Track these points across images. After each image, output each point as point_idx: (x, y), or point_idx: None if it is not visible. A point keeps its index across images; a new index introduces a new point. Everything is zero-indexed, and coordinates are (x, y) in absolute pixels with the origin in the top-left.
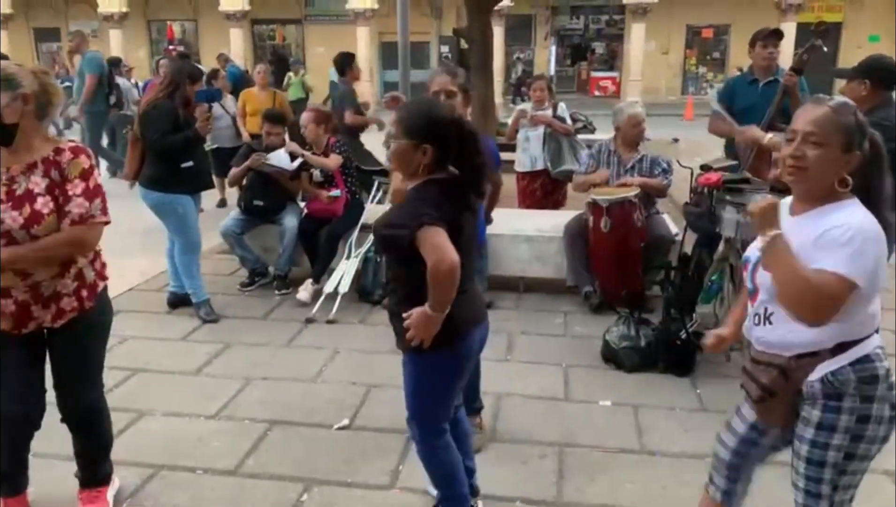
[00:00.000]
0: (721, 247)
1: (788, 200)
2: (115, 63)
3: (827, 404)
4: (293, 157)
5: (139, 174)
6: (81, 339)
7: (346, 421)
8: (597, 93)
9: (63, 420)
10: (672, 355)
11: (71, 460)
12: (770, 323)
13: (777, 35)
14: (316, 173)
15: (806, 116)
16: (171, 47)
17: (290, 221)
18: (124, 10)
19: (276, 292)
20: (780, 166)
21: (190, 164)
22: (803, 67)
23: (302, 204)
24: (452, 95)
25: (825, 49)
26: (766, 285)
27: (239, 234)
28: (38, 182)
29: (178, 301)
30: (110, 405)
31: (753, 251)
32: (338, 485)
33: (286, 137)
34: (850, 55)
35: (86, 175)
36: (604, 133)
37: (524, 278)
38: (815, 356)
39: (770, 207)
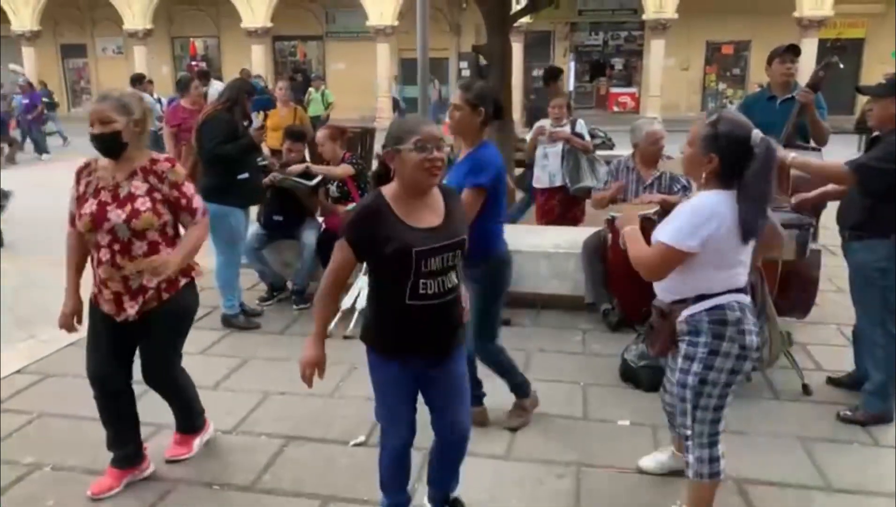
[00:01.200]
0: None
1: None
2: (139, 80)
3: (689, 339)
4: (311, 176)
5: None
6: (159, 326)
7: (362, 438)
8: (615, 109)
9: (147, 384)
10: None
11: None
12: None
13: (794, 51)
14: (332, 189)
15: (692, 127)
16: (193, 63)
17: (309, 237)
18: (149, 26)
19: (295, 306)
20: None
21: (246, 175)
22: (819, 84)
23: (321, 219)
24: (457, 109)
25: (841, 66)
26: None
27: (258, 249)
28: (138, 186)
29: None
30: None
31: None
32: (354, 502)
33: (306, 153)
34: (873, 70)
35: (187, 178)
36: (623, 149)
37: (542, 295)
38: (682, 303)
39: (630, 214)
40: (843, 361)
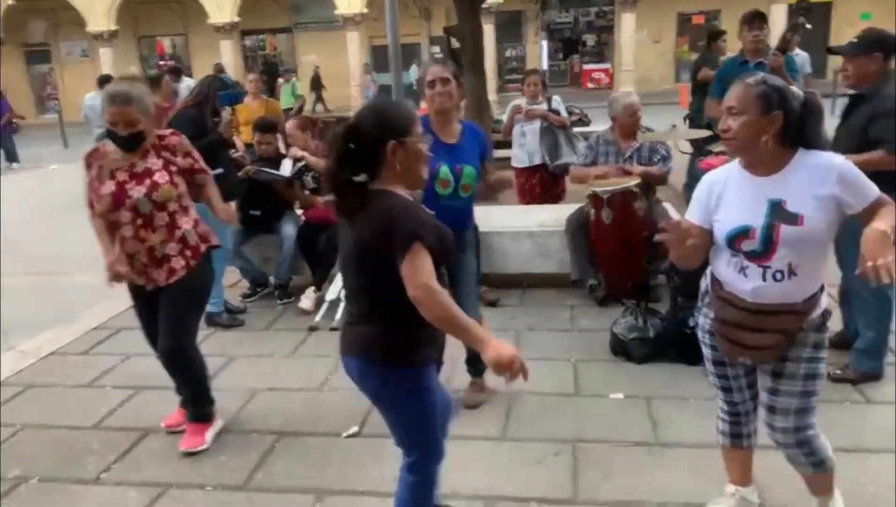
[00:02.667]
0: None
1: (728, 168)
2: (106, 81)
3: (819, 326)
4: (295, 161)
5: None
6: (183, 293)
7: (355, 429)
8: (590, 85)
9: (159, 358)
10: (682, 344)
11: None
12: (795, 275)
13: (760, 17)
14: (308, 180)
15: (729, 95)
16: (161, 63)
17: (289, 230)
18: (113, 27)
19: (278, 301)
20: None
21: (220, 171)
22: (788, 47)
23: (299, 212)
24: (447, 82)
25: (808, 26)
26: (798, 239)
27: (238, 245)
28: (154, 162)
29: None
30: (117, 425)
31: (745, 218)
32: (350, 494)
33: (280, 144)
34: (842, 33)
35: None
36: (599, 125)
37: (528, 275)
38: (819, 294)
39: (878, 243)
40: (832, 321)
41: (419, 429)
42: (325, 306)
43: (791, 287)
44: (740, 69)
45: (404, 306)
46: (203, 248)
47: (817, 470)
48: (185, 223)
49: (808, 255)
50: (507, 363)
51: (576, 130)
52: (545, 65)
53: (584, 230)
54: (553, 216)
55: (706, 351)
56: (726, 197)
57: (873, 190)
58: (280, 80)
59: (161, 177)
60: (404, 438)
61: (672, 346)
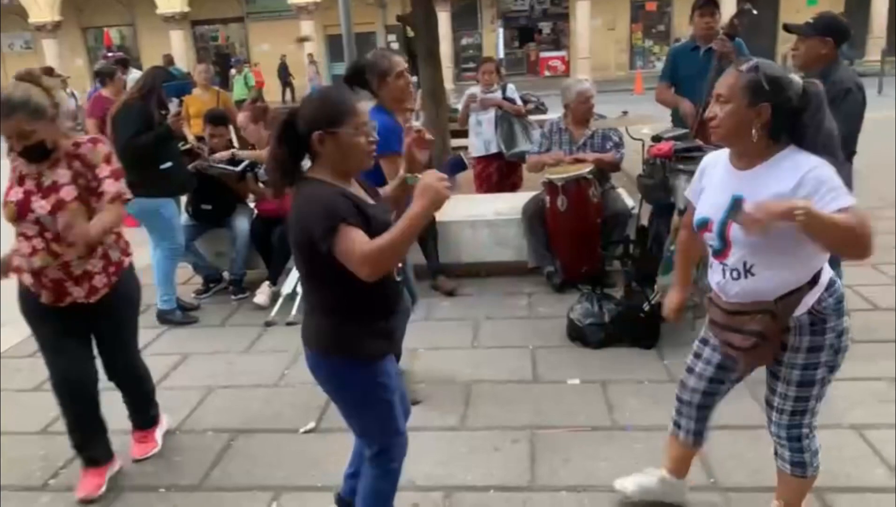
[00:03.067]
0: (676, 217)
1: (721, 152)
2: (47, 74)
3: (814, 329)
4: (238, 162)
5: None
6: (115, 311)
7: (312, 424)
8: (547, 73)
9: (110, 379)
10: (636, 328)
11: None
12: (752, 274)
13: (712, 4)
14: (261, 172)
15: (720, 82)
16: (109, 54)
17: (242, 224)
18: (57, 18)
19: (233, 297)
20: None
21: (169, 164)
22: (736, 32)
23: (252, 205)
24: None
25: (755, 12)
26: (742, 240)
27: (190, 240)
28: (62, 174)
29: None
30: (64, 430)
31: (709, 209)
32: (308, 490)
33: (233, 137)
34: (790, 20)
35: (108, 158)
36: (556, 113)
37: (486, 264)
38: (797, 292)
39: (769, 208)
40: None
41: (375, 423)
42: (280, 301)
43: (752, 287)
44: (691, 54)
45: (353, 297)
46: (126, 262)
47: (794, 470)
48: (107, 238)
49: (763, 256)
50: (434, 188)
51: (533, 118)
52: (501, 53)
53: (541, 218)
54: (510, 205)
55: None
56: (708, 183)
57: (841, 201)
58: (232, 71)
59: (68, 193)
60: (362, 431)
61: (627, 330)
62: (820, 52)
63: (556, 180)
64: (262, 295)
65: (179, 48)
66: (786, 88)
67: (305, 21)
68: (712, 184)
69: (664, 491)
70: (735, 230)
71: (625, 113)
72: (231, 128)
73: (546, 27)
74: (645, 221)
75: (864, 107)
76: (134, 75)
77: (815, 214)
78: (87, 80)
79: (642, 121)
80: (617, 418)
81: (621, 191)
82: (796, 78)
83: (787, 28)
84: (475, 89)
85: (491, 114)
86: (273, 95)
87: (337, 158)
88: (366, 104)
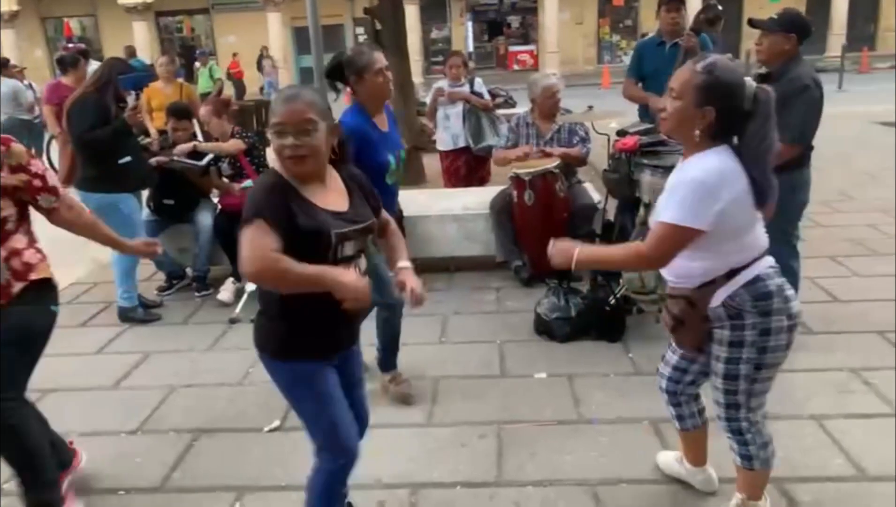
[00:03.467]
0: (641, 211)
1: None
2: (3, 64)
3: (733, 323)
4: (201, 155)
5: (71, 178)
6: None
7: (276, 423)
8: (516, 67)
9: None
10: (602, 322)
11: None
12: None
13: (678, 0)
14: (224, 166)
15: (675, 76)
16: (69, 45)
17: (205, 219)
18: (14, 7)
19: (196, 294)
20: None
21: (128, 159)
22: (701, 28)
23: (216, 200)
24: (389, 70)
25: (720, 7)
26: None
27: (151, 236)
28: None
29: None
30: None
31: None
32: (272, 489)
33: (196, 130)
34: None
35: (33, 155)
36: (525, 106)
37: (454, 258)
38: (712, 284)
39: (560, 254)
40: None
41: (311, 422)
42: (245, 298)
43: (672, 272)
44: (657, 49)
45: (287, 297)
46: (17, 287)
47: (743, 462)
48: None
49: None
50: (352, 291)
51: (502, 112)
52: (470, 46)
53: (509, 212)
54: (478, 199)
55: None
56: None
57: (663, 216)
58: (196, 64)
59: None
60: (305, 427)
61: (593, 324)
62: (783, 48)
63: (523, 175)
64: (226, 292)
65: (143, 40)
66: (736, 94)
67: (272, 13)
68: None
69: (691, 479)
70: (651, 219)
71: (590, 108)
72: (195, 121)
73: (515, 21)
74: (612, 216)
75: (821, 103)
76: (94, 67)
77: (583, 260)
78: (46, 71)
79: (608, 115)
80: (583, 411)
81: (588, 185)
82: (750, 82)
83: (752, 23)
84: (443, 83)
85: (459, 108)
86: (253, 85)
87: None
88: (298, 105)
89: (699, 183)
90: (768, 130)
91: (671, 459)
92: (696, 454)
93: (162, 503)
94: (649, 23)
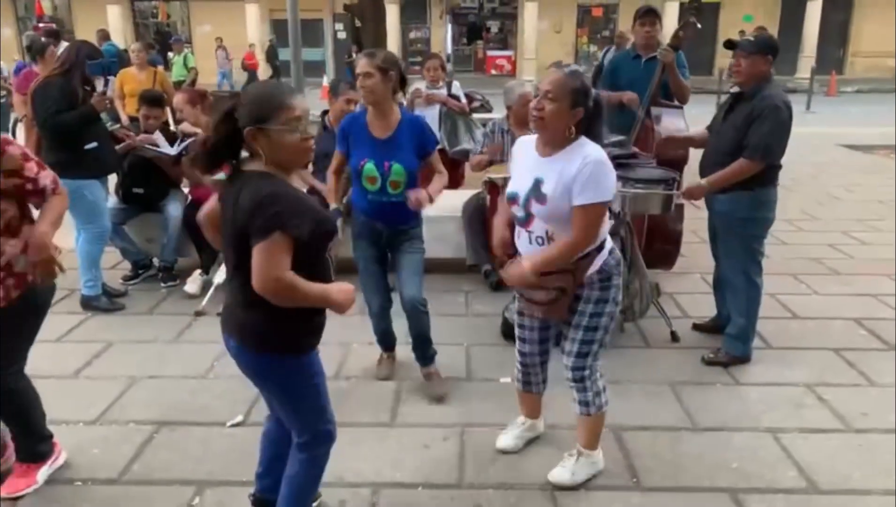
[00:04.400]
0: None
1: (529, 138)
2: None
3: (602, 285)
4: (183, 137)
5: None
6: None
7: (240, 418)
8: (493, 72)
9: None
10: None
11: None
12: (553, 240)
13: (652, 13)
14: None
15: (547, 78)
16: (40, 25)
17: (174, 209)
18: None
19: (162, 284)
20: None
21: (94, 144)
22: (680, 44)
23: (186, 190)
24: (368, 77)
25: (699, 26)
26: (540, 213)
27: (119, 224)
28: None
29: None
30: None
31: (518, 187)
32: (233, 485)
33: (169, 119)
34: (728, 33)
35: (27, 157)
36: (501, 111)
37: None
38: (589, 256)
39: (516, 276)
40: (707, 307)
41: (308, 413)
42: (212, 290)
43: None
44: (633, 63)
45: None
46: (30, 278)
47: (581, 409)
48: (11, 247)
49: (560, 226)
50: (347, 306)
51: (478, 116)
52: (449, 49)
53: (480, 216)
54: (450, 202)
55: (514, 306)
56: (517, 163)
57: (580, 199)
58: (170, 53)
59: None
60: (293, 420)
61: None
62: (761, 69)
63: (497, 180)
64: (193, 284)
65: (116, 23)
66: (592, 96)
67: (250, 4)
68: (519, 164)
69: (529, 434)
70: (534, 207)
71: None
72: (168, 110)
73: (494, 26)
74: None
75: (789, 124)
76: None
77: (535, 267)
78: (15, 50)
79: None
80: (546, 416)
81: None
82: (593, 89)
83: (731, 45)
84: (420, 84)
85: (435, 110)
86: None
87: (270, 153)
88: (302, 99)
89: (602, 162)
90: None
91: (518, 431)
92: (539, 407)
93: (120, 495)
94: (627, 34)
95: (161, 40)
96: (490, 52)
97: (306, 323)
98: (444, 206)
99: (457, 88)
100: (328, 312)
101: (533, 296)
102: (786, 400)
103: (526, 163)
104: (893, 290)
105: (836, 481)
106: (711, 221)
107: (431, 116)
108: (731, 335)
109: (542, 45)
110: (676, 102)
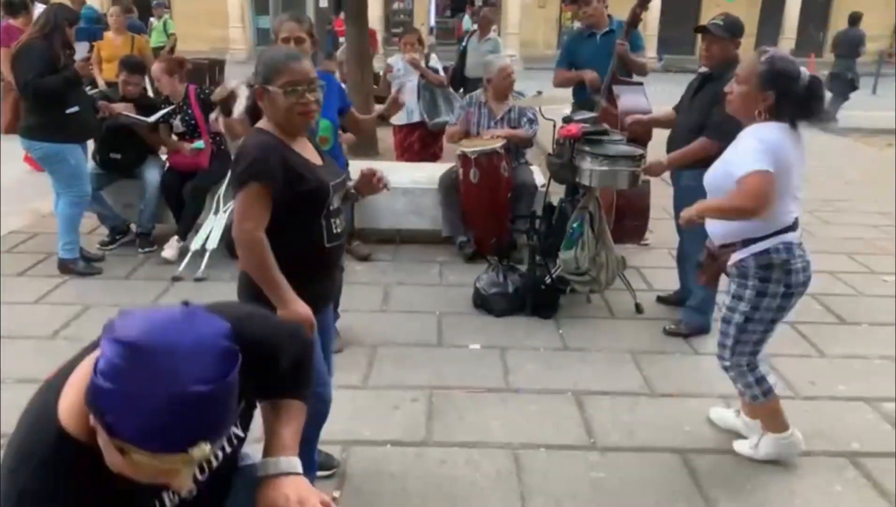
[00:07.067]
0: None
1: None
2: None
3: (738, 281)
4: (150, 110)
5: (12, 125)
6: None
7: None
8: None
9: None
10: (537, 299)
11: None
12: (705, 220)
13: None
14: (177, 123)
15: (741, 66)
16: None
17: (152, 175)
18: None
19: (140, 250)
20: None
21: (76, 109)
22: (637, 21)
23: (164, 157)
24: (300, 42)
25: None
26: (709, 189)
27: (97, 189)
28: None
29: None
30: None
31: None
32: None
33: (147, 85)
34: (711, 12)
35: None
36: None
37: (401, 231)
38: (730, 246)
39: (690, 218)
40: (672, 281)
41: None
42: (188, 256)
43: (706, 229)
44: (588, 41)
45: (285, 256)
46: None
47: (740, 397)
48: None
49: None
50: (296, 318)
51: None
52: (433, 21)
53: (456, 189)
54: (427, 174)
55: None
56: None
57: (739, 170)
58: (152, 19)
59: None
60: None
61: (528, 300)
62: (731, 53)
63: (470, 153)
64: (170, 250)
65: None
66: (791, 79)
67: None
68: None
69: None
70: (707, 179)
71: (539, 93)
72: (147, 77)
73: None
74: (555, 200)
75: None
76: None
77: (705, 210)
78: None
79: (553, 101)
80: (512, 381)
81: (535, 168)
82: (803, 72)
83: (701, 29)
84: (396, 58)
85: (414, 82)
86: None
87: (270, 114)
88: (304, 65)
89: (761, 139)
90: (821, 109)
91: (728, 415)
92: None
93: None
94: (612, 10)
95: (140, 3)
96: (474, 26)
97: (302, 282)
98: (420, 178)
99: (434, 60)
100: None
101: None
102: None
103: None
104: (850, 267)
105: None
106: (676, 197)
107: (410, 88)
108: (692, 307)
109: (526, 20)
110: (636, 78)
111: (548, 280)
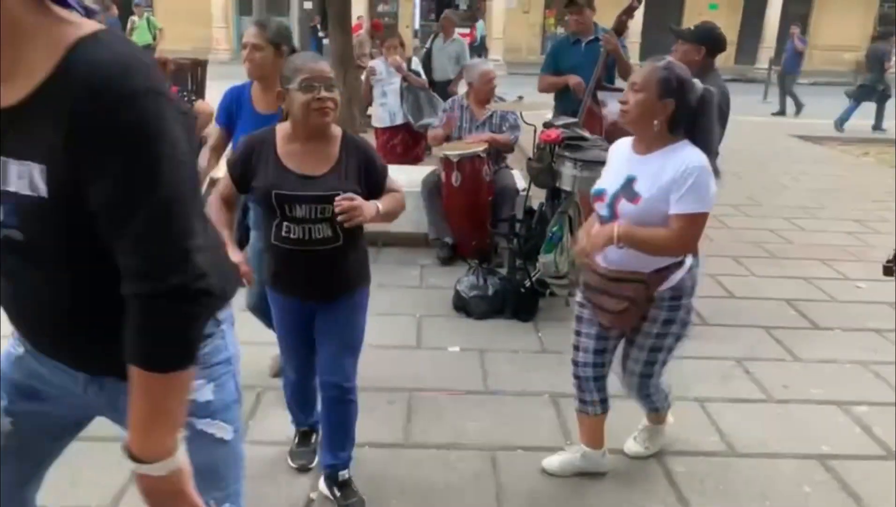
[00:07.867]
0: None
1: (626, 140)
2: None
3: (671, 304)
4: None
5: None
6: None
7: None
8: None
9: None
10: (517, 302)
11: None
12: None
13: (573, 4)
14: None
15: (638, 71)
16: None
17: None
18: None
19: None
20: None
21: None
22: (623, 28)
23: None
24: (258, 49)
25: (639, 3)
26: (628, 214)
27: None
28: None
29: None
30: None
31: (607, 183)
32: None
33: None
34: (693, 21)
35: None
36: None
37: (383, 233)
38: (666, 270)
39: (596, 235)
40: None
41: (359, 345)
42: None
43: (633, 257)
44: (573, 48)
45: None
46: None
47: (651, 411)
48: None
49: None
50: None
51: None
52: (417, 24)
53: (439, 192)
54: (409, 177)
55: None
56: (610, 163)
57: (690, 208)
58: (133, 17)
59: None
60: (357, 350)
61: (508, 304)
62: (693, 58)
63: (452, 156)
64: None
65: None
66: (689, 87)
67: None
68: (613, 163)
69: (586, 464)
70: (622, 206)
71: (520, 98)
72: None
73: (463, 2)
74: (536, 204)
75: (724, 112)
76: None
77: (627, 233)
78: None
79: (535, 106)
80: (490, 383)
81: (516, 172)
82: (696, 81)
83: (672, 30)
84: (375, 62)
85: (396, 85)
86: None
87: (292, 114)
88: (320, 64)
89: (706, 171)
90: (714, 122)
91: (573, 457)
92: (601, 435)
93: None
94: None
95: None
96: (458, 30)
97: (269, 261)
98: (403, 181)
99: (416, 63)
100: None
101: (602, 303)
102: (716, 373)
103: (619, 161)
104: (824, 273)
105: (752, 445)
106: None
107: (392, 90)
108: None
109: (510, 26)
110: (620, 85)
111: (527, 283)
